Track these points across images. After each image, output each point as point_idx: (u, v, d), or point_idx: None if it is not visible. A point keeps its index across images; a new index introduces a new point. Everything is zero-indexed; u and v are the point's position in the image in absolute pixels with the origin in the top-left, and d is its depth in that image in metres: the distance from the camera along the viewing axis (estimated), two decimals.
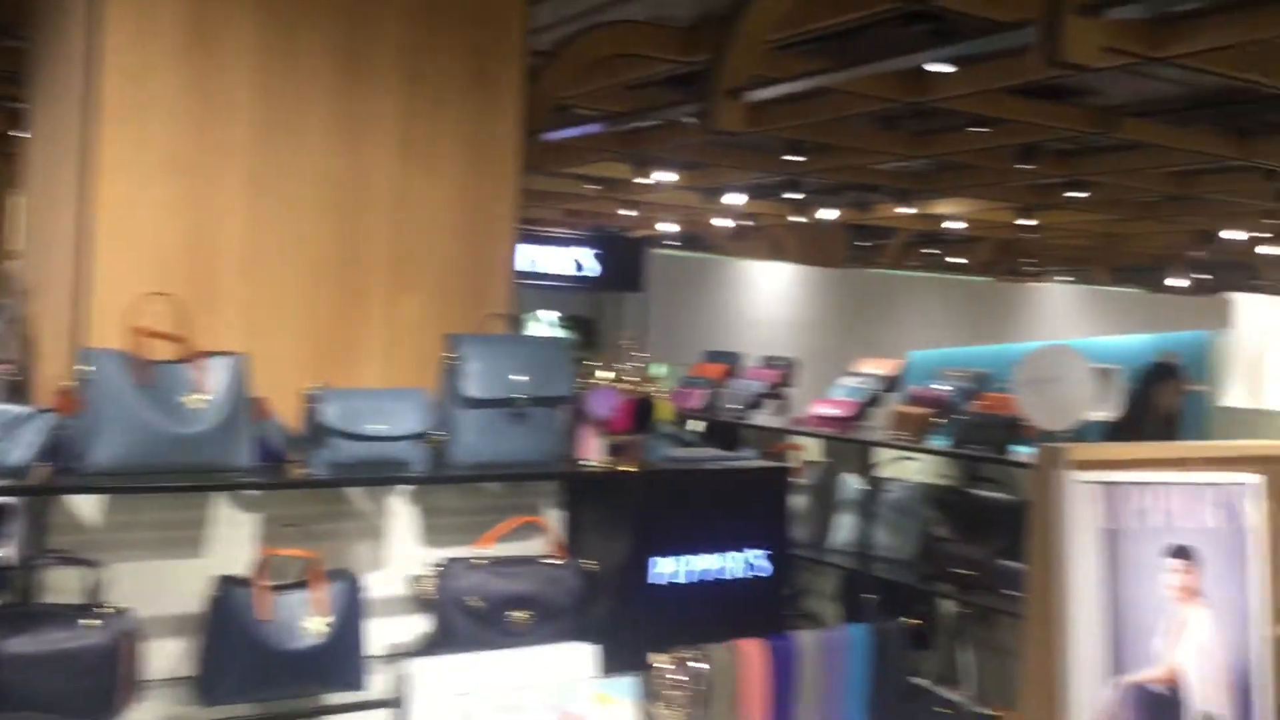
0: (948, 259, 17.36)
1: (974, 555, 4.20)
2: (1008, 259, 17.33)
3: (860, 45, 4.87)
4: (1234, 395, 11.09)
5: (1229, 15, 4.43)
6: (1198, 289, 16.00)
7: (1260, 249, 12.77)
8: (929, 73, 4.74)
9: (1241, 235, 11.55)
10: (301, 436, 2.65)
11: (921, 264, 17.61)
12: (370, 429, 2.61)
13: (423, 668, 2.63)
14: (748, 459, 3.49)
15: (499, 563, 2.88)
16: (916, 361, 7.40)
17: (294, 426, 2.69)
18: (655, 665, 2.71)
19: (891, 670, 3.00)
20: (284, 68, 3.00)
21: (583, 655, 2.75)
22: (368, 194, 3.07)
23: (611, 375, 3.03)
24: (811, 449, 5.28)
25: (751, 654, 2.81)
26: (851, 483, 4.80)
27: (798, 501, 4.98)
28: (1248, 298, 11.59)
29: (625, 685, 2.71)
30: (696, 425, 5.58)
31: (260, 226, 2.98)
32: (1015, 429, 4.10)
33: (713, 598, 3.07)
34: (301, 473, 2.63)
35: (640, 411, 3.04)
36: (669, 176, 9.11)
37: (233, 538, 2.70)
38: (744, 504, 3.22)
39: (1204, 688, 3.70)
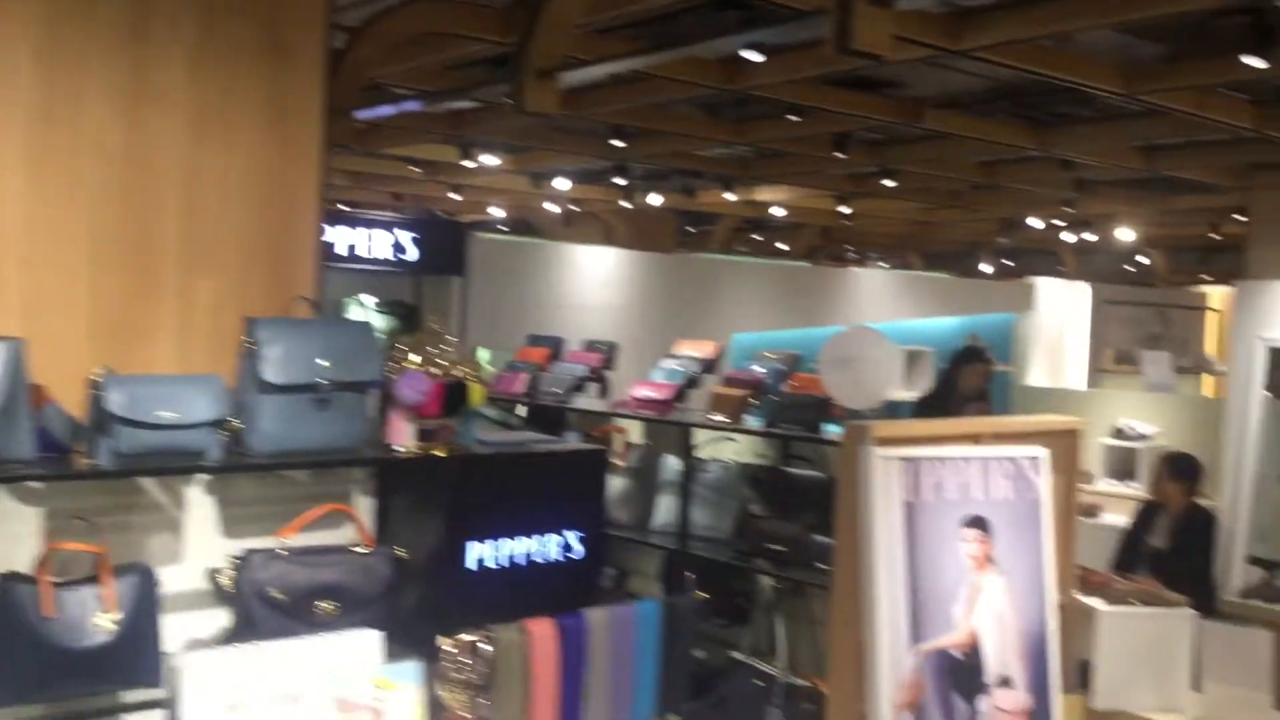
0: (775, 245, 17.79)
1: (788, 531, 4.33)
2: (830, 245, 17.88)
3: (675, 30, 4.93)
4: (1036, 374, 11.75)
5: (1022, 10, 4.66)
6: (1004, 274, 16.83)
7: (1063, 236, 13.51)
8: (744, 60, 4.82)
9: (1042, 224, 12.21)
10: (86, 425, 2.52)
11: (750, 249, 18.00)
12: (160, 416, 2.50)
13: (193, 661, 2.54)
14: (563, 442, 3.48)
15: (303, 553, 2.80)
16: (740, 344, 7.57)
17: (78, 415, 2.56)
18: (441, 648, 2.68)
19: (683, 644, 3.02)
20: (66, 34, 2.83)
21: (367, 642, 2.70)
22: (156, 169, 2.92)
23: (421, 359, 2.97)
24: (633, 431, 5.33)
25: (540, 633, 2.80)
26: (672, 464, 4.87)
27: (619, 484, 5.03)
28: (1049, 282, 12.31)
29: (408, 670, 2.68)
30: (519, 410, 5.57)
31: (39, 204, 2.81)
32: (825, 408, 4.24)
33: (528, 582, 3.06)
34: (86, 463, 2.50)
35: (451, 395, 3.00)
36: (494, 160, 9.04)
37: (14, 533, 2.55)
38: (559, 487, 3.23)
39: (1000, 651, 3.91)
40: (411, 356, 2.97)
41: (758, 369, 4.63)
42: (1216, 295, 12.84)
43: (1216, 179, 8.64)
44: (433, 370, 2.95)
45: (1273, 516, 8.74)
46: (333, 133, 4.98)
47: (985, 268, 17.49)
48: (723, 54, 5.40)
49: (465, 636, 2.72)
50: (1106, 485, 9.11)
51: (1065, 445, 4.34)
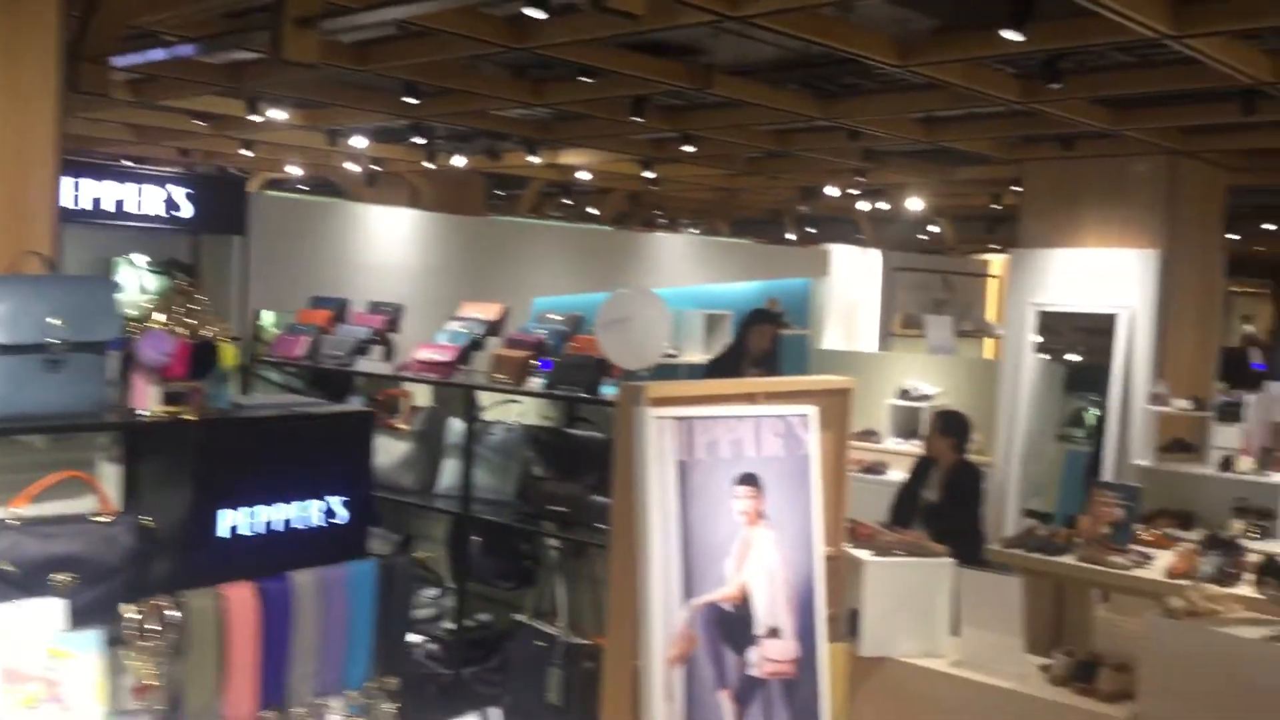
0: (585, 210, 17.78)
1: (569, 492, 4.36)
2: (639, 211, 18.00)
3: None
4: (832, 337, 12.15)
5: None
6: (807, 241, 17.31)
7: (859, 205, 13.96)
8: (528, 18, 4.76)
9: (838, 192, 12.61)
10: None
11: (561, 214, 17.94)
12: None
13: None
14: (329, 405, 3.38)
15: (36, 523, 2.63)
16: (541, 308, 7.51)
17: None
18: (125, 615, 2.57)
19: (400, 606, 2.96)
20: None
21: (48, 610, 2.56)
22: None
23: (166, 318, 2.83)
24: (420, 395, 5.26)
25: (237, 598, 2.72)
26: (457, 427, 4.83)
27: (403, 448, 4.95)
28: (843, 249, 12.71)
29: (89, 639, 2.56)
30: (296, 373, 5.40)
31: None
32: (604, 369, 4.27)
33: (287, 549, 2.96)
34: None
35: (201, 356, 2.86)
36: (282, 115, 8.69)
37: None
38: (321, 451, 3.12)
39: (770, 603, 4.03)
40: (156, 316, 2.82)
41: (539, 331, 4.63)
42: (997, 262, 13.56)
43: (993, 151, 9.06)
44: (178, 330, 2.81)
45: (1046, 471, 9.33)
46: (89, 81, 4.70)
47: (790, 235, 17.97)
48: (511, 11, 5.32)
49: (152, 602, 2.60)
50: (893, 443, 9.55)
51: (836, 404, 4.50)
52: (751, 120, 8.32)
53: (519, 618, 4.50)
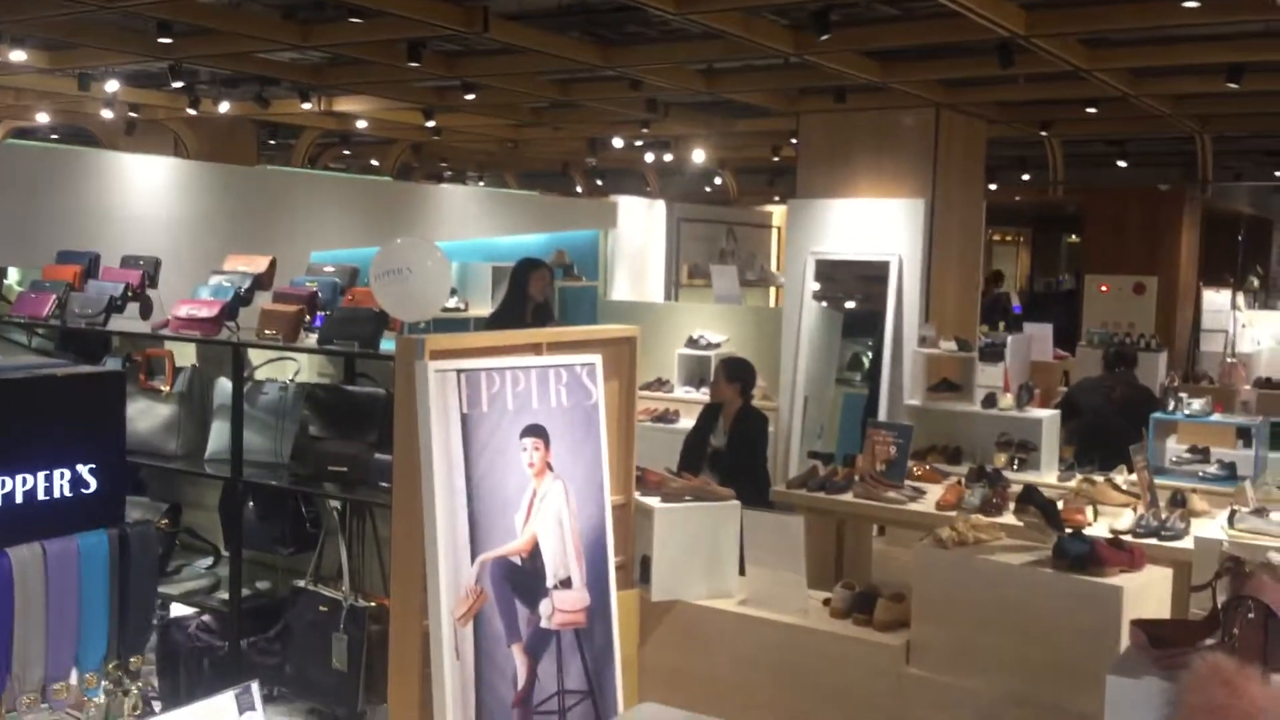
0: (368, 161, 17.21)
1: (349, 451, 4.18)
2: (424, 162, 17.57)
3: None
4: (620, 289, 12.18)
5: None
6: (596, 193, 17.30)
7: (645, 156, 14.02)
8: None
9: (623, 143, 12.63)
10: None
11: (341, 165, 17.30)
12: None
13: None
14: (72, 366, 3.10)
15: None
16: (319, 262, 7.16)
17: None
18: None
19: (142, 578, 2.74)
20: None
21: None
22: None
23: None
24: (185, 354, 4.94)
25: None
26: (225, 387, 4.56)
27: (166, 411, 4.64)
28: (630, 200, 12.74)
29: None
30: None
31: None
32: (383, 323, 4.11)
33: (30, 521, 2.71)
34: None
35: None
36: (21, 55, 7.96)
37: None
38: (65, 416, 2.87)
39: (559, 554, 3.99)
40: None
41: (312, 284, 4.41)
42: (779, 213, 13.91)
43: (771, 103, 9.25)
44: None
45: (828, 413, 9.67)
46: None
47: (578, 188, 17.92)
48: None
49: None
50: (682, 391, 9.68)
51: (622, 353, 4.48)
52: (532, 68, 8.18)
53: (300, 584, 4.31)
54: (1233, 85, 7.28)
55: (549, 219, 11.66)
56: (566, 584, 3.92)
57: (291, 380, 4.58)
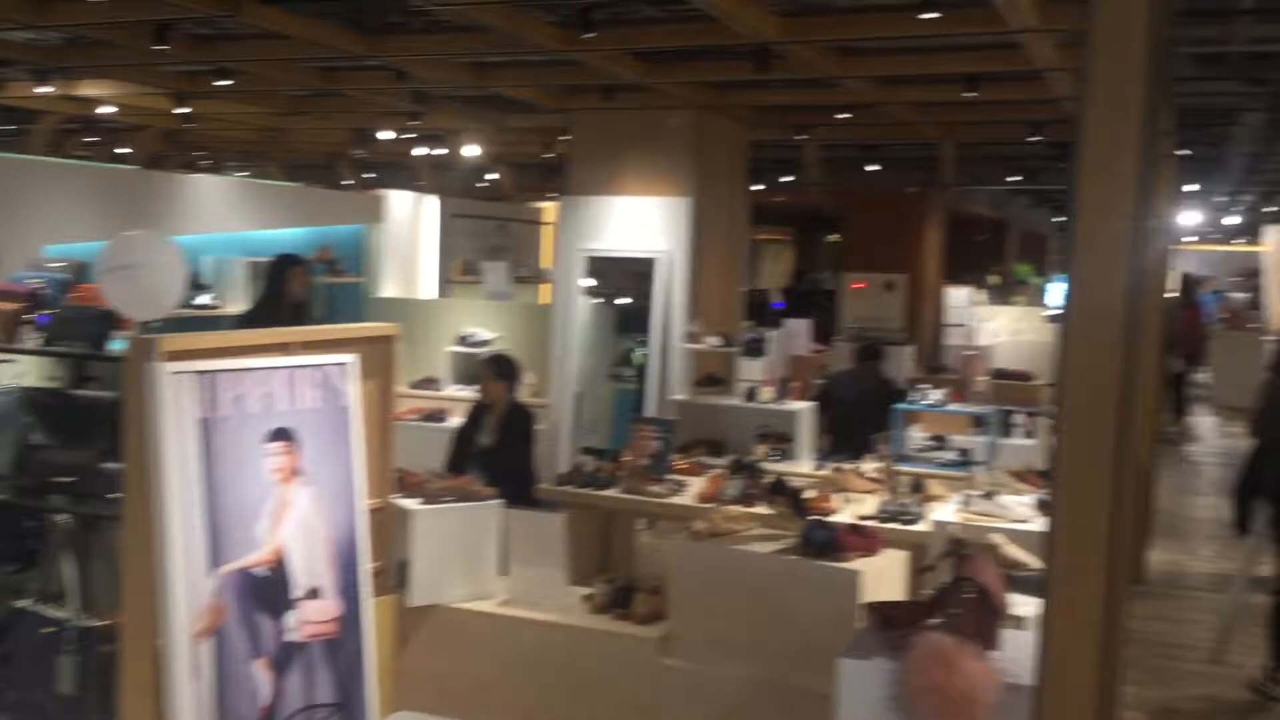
0: (115, 149, 16.16)
1: (76, 460, 3.91)
2: (179, 151, 16.63)
3: None
4: (390, 285, 11.91)
5: None
6: (366, 186, 16.85)
7: (415, 150, 13.75)
8: None
9: (393, 135, 12.34)
10: None
11: (87, 153, 16.17)
12: None
13: None
14: None
15: None
16: (50, 256, 6.68)
17: None
18: None
19: None
20: None
21: None
22: None
23: None
24: None
25: None
26: None
27: None
28: (400, 194, 12.47)
29: None
30: None
31: None
32: (114, 322, 3.85)
33: None
34: None
35: None
36: None
37: None
38: None
39: (309, 563, 3.85)
40: None
41: (35, 280, 4.10)
42: (551, 209, 13.94)
43: (542, 99, 9.25)
44: None
45: (600, 409, 9.75)
46: None
47: (346, 180, 17.40)
48: None
49: None
50: (453, 390, 9.56)
51: (380, 351, 4.36)
52: (292, 54, 7.87)
53: (21, 604, 4.00)
54: (970, 94, 7.77)
55: (313, 212, 11.28)
56: (316, 594, 3.79)
57: (13, 384, 4.24)
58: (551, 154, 13.39)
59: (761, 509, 5.15)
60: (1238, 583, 6.17)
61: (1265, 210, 19.93)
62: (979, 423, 7.61)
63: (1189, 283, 14.53)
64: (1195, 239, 26.62)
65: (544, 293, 13.08)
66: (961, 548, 3.09)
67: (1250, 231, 25.64)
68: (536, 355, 9.40)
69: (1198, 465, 11.92)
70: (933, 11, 5.42)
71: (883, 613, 2.99)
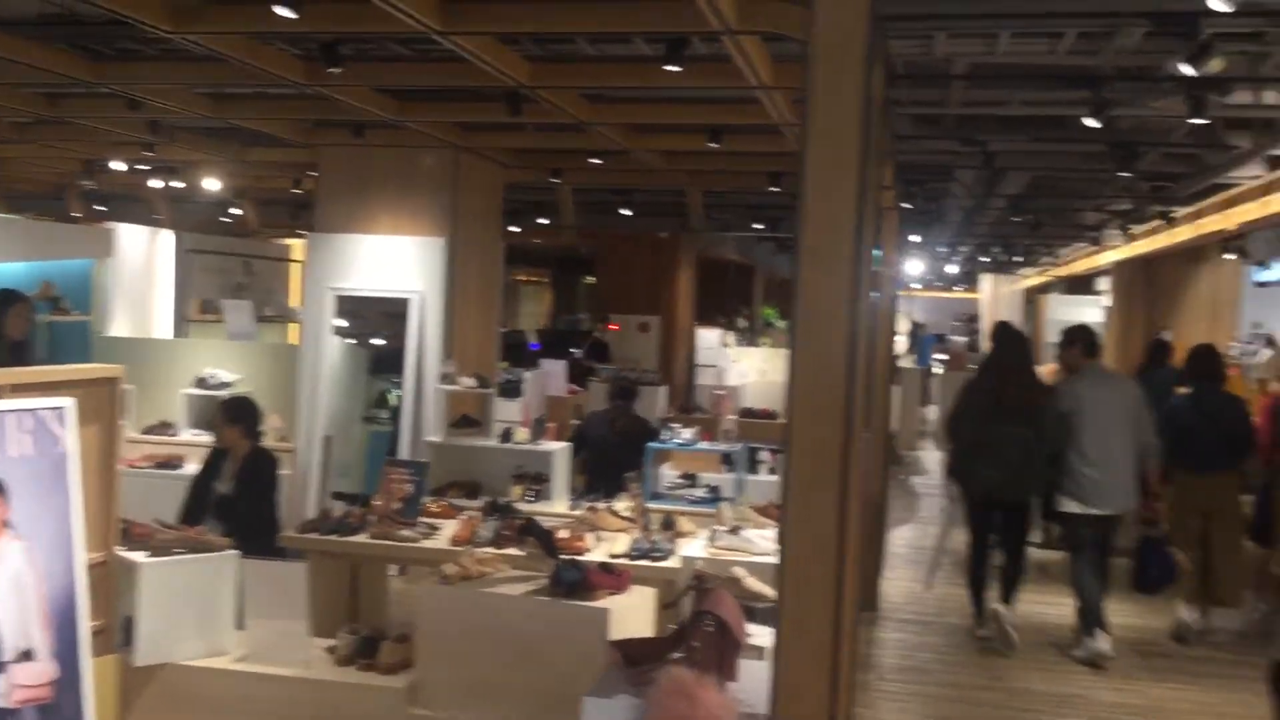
0: None
1: None
2: None
3: None
4: (120, 324, 11.19)
5: None
6: (97, 219, 15.81)
7: (150, 182, 13.02)
8: None
9: (125, 166, 11.65)
10: None
11: None
12: None
13: None
14: None
15: None
16: None
17: None
18: None
19: None
20: None
21: None
22: None
23: None
24: None
25: None
26: None
27: None
28: (131, 228, 11.76)
29: None
30: None
31: None
32: None
33: None
34: None
35: None
36: None
37: None
38: None
39: (20, 624, 3.54)
40: None
41: None
42: (298, 246, 13.50)
43: (288, 134, 8.96)
44: None
45: (354, 452, 9.47)
46: None
47: (75, 213, 16.27)
48: None
49: None
50: (190, 435, 9.06)
51: (101, 394, 4.09)
52: (14, 79, 7.33)
53: None
54: (713, 145, 8.08)
55: (35, 246, 10.46)
56: (28, 656, 3.49)
57: None
58: (300, 190, 12.99)
59: (514, 551, 5.13)
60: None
61: (981, 260, 21.63)
62: (728, 460, 7.87)
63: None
64: (920, 286, 28.61)
65: (292, 332, 12.63)
66: (702, 582, 3.17)
67: (968, 280, 27.84)
68: (284, 397, 9.04)
69: (922, 495, 12.73)
70: (675, 65, 5.61)
71: (626, 650, 3.03)
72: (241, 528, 5.70)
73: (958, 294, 30.92)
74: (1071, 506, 6.85)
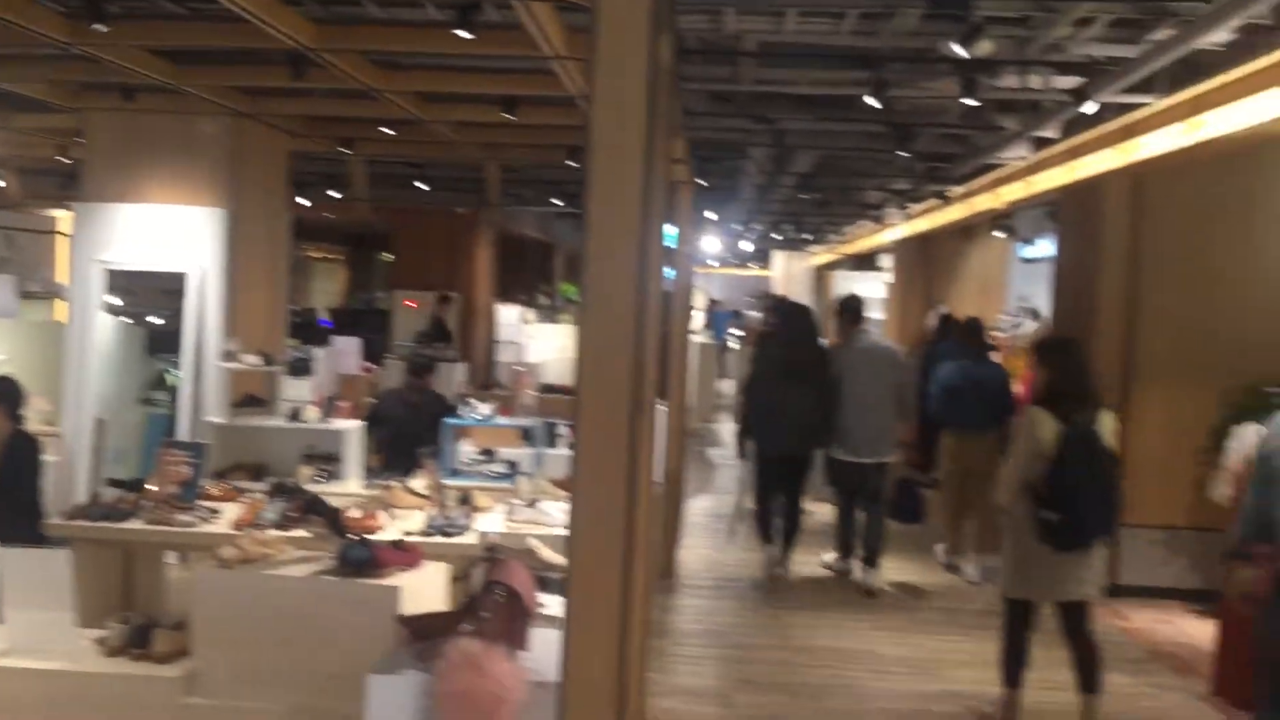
0: None
1: None
2: None
3: None
4: None
5: None
6: None
7: None
8: None
9: None
10: None
11: None
12: None
13: None
14: None
15: None
16: None
17: None
18: None
19: None
20: None
21: None
22: None
23: None
24: None
25: None
26: None
27: None
28: None
29: None
30: None
31: None
32: None
33: None
34: None
35: None
36: None
37: None
38: None
39: None
40: None
41: None
42: (66, 218, 12.64)
43: (53, 97, 8.35)
44: None
45: (131, 436, 8.93)
46: None
47: None
48: None
49: None
50: None
51: None
52: None
53: None
54: (509, 117, 7.98)
55: None
56: None
57: None
58: (67, 158, 12.14)
59: (302, 533, 4.95)
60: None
61: (774, 238, 22.28)
62: (527, 435, 7.82)
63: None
64: (717, 264, 29.26)
65: (60, 310, 11.82)
66: (494, 553, 3.13)
67: (763, 258, 28.66)
68: (50, 378, 8.46)
69: (719, 466, 13.04)
70: (466, 31, 5.49)
71: (415, 625, 2.96)
72: (3, 515, 5.32)
73: (753, 271, 31.77)
74: (840, 454, 7.82)
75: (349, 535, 4.29)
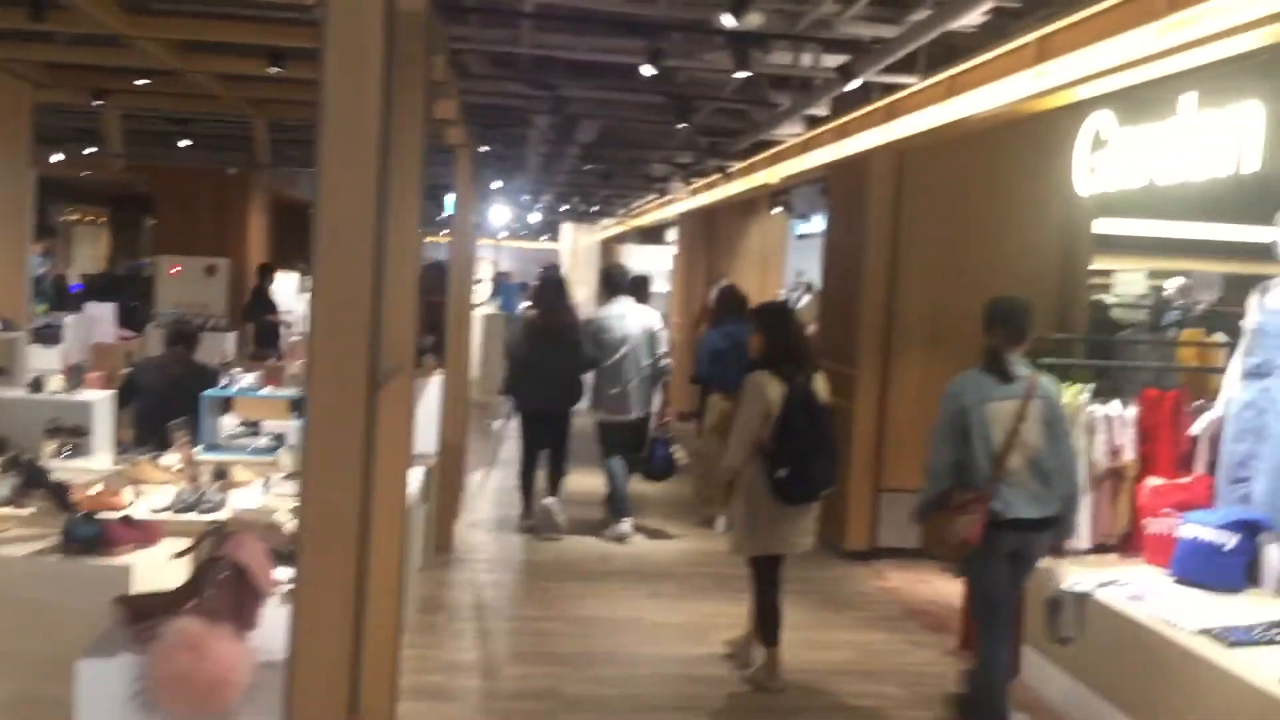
0: None
1: None
2: None
3: None
4: None
5: None
6: None
7: None
8: None
9: None
10: None
11: None
12: None
13: None
14: None
15: None
16: None
17: None
18: None
19: None
20: None
21: None
22: None
23: None
24: None
25: None
26: None
27: None
28: None
29: None
30: None
31: None
32: None
33: None
34: None
35: None
36: None
37: None
38: None
39: None
40: None
41: None
42: None
43: None
44: None
45: None
46: None
47: None
48: None
49: None
50: None
51: None
52: None
53: None
54: (275, 69, 7.59)
55: None
56: None
57: None
58: None
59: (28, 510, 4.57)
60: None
61: (562, 210, 22.24)
62: (296, 407, 7.50)
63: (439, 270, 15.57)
64: (507, 235, 29.00)
65: None
66: (222, 528, 2.95)
67: (552, 230, 28.60)
68: None
69: (504, 440, 12.93)
70: None
71: (135, 605, 2.75)
72: None
73: (543, 244, 31.66)
74: (601, 415, 8.41)
75: (78, 511, 3.98)
